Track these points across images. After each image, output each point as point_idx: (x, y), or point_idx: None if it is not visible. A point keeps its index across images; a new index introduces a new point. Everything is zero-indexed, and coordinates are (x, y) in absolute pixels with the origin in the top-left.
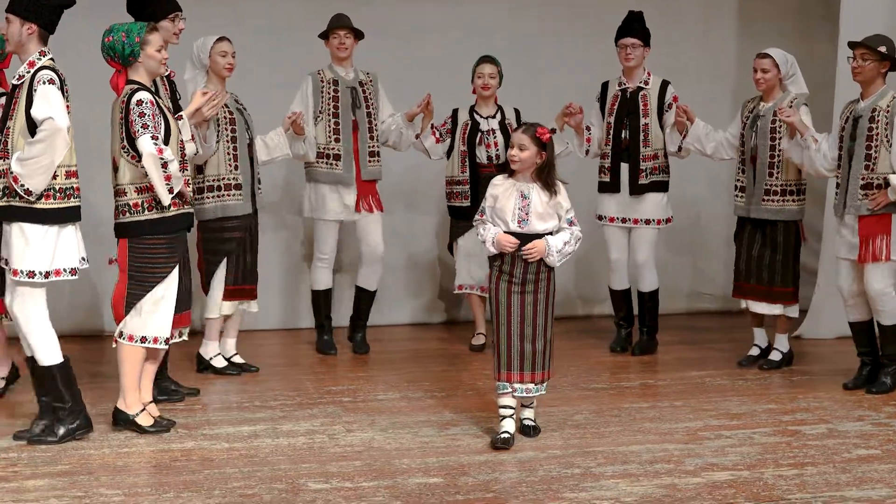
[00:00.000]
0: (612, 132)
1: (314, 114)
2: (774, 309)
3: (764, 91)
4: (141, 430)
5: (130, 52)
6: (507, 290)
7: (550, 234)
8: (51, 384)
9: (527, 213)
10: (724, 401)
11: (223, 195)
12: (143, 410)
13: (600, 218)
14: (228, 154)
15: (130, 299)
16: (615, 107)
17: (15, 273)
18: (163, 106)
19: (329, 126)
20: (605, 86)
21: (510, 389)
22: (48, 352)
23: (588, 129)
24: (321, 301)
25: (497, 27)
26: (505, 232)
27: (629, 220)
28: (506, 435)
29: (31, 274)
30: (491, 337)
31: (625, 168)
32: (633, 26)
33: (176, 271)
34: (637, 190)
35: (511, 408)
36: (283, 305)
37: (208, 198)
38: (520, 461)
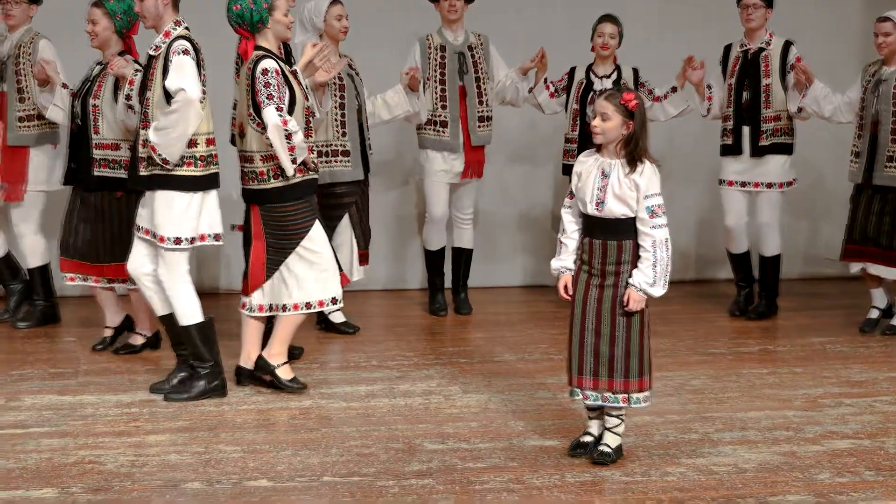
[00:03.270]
0: (733, 94)
1: (422, 80)
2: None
3: (886, 55)
4: (279, 381)
5: (259, 19)
6: (584, 281)
7: (633, 232)
8: (191, 344)
9: (605, 194)
10: (845, 368)
11: (331, 161)
12: (285, 363)
13: (720, 182)
14: (336, 120)
15: (271, 266)
16: (736, 68)
17: (162, 240)
18: (288, 73)
19: (436, 93)
20: (727, 48)
21: (581, 397)
22: (189, 312)
23: (709, 87)
24: (434, 261)
25: None
26: (583, 214)
27: (749, 183)
28: (587, 439)
29: (178, 241)
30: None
31: (746, 130)
32: None
33: (314, 233)
34: (758, 151)
35: (596, 408)
36: (390, 266)
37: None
38: (636, 425)
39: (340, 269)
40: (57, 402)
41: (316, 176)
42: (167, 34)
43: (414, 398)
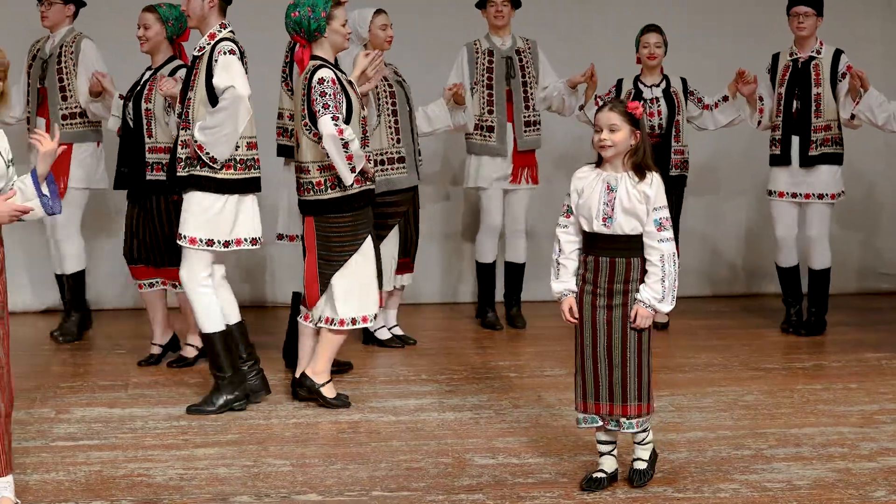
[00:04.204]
0: (782, 103)
1: (470, 85)
2: None
3: None
4: (324, 400)
5: (316, 27)
6: (590, 303)
7: (641, 249)
8: (211, 352)
9: (612, 209)
10: None
11: (386, 169)
12: (329, 382)
13: (770, 193)
14: (390, 127)
15: (323, 279)
16: (786, 77)
17: (193, 241)
18: (345, 82)
19: (483, 97)
20: (775, 57)
21: (600, 423)
22: (208, 319)
23: (760, 98)
24: (489, 274)
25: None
26: (589, 232)
27: (800, 194)
28: (599, 475)
29: (210, 242)
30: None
31: (795, 140)
32: None
33: (365, 248)
34: (807, 162)
35: (609, 443)
36: (442, 279)
37: None
38: (689, 441)
39: (380, 287)
40: (106, 415)
41: (373, 187)
42: (212, 35)
43: (464, 412)
